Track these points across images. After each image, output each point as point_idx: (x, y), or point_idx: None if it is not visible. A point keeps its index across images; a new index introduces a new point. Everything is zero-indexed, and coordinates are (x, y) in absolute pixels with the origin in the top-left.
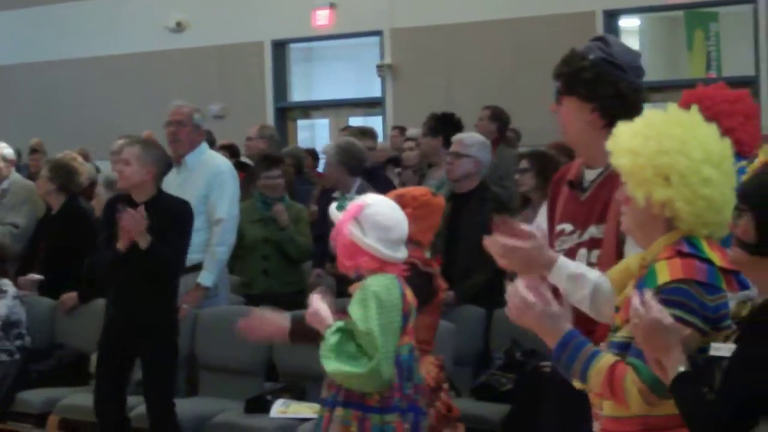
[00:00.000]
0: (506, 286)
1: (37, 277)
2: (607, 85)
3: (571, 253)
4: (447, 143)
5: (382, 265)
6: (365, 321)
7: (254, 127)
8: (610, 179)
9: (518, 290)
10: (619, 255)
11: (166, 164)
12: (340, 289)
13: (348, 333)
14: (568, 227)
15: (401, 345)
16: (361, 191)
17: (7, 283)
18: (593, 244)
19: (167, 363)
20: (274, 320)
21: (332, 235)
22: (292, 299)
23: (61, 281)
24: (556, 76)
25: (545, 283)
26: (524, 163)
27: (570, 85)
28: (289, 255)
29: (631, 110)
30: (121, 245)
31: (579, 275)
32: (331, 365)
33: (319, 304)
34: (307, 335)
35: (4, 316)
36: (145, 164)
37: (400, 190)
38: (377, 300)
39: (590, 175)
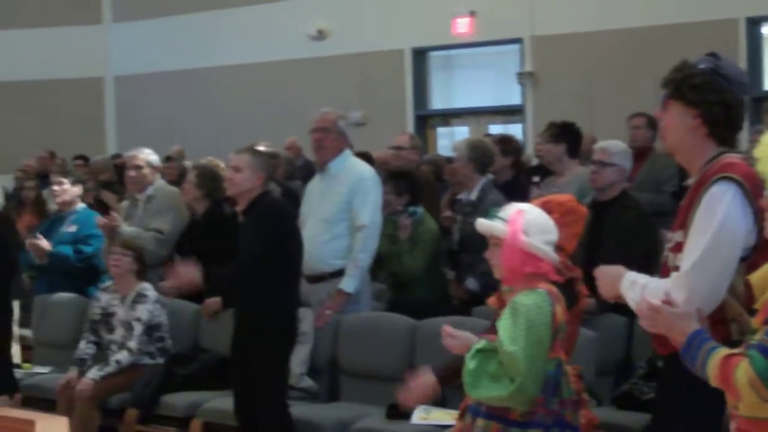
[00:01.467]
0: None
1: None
2: (713, 92)
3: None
4: (570, 151)
5: (548, 273)
6: (513, 341)
7: (404, 137)
8: (695, 187)
9: (644, 298)
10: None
11: (274, 171)
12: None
13: (488, 353)
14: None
15: (548, 360)
16: (484, 191)
17: (148, 287)
18: (677, 248)
19: (277, 367)
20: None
21: (504, 244)
22: (436, 308)
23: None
24: (666, 83)
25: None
26: None
27: (678, 89)
28: (393, 271)
29: (733, 121)
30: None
31: None
32: (474, 392)
33: (452, 330)
34: (452, 376)
35: (146, 320)
36: (257, 171)
37: (545, 197)
38: (527, 319)
39: (691, 182)
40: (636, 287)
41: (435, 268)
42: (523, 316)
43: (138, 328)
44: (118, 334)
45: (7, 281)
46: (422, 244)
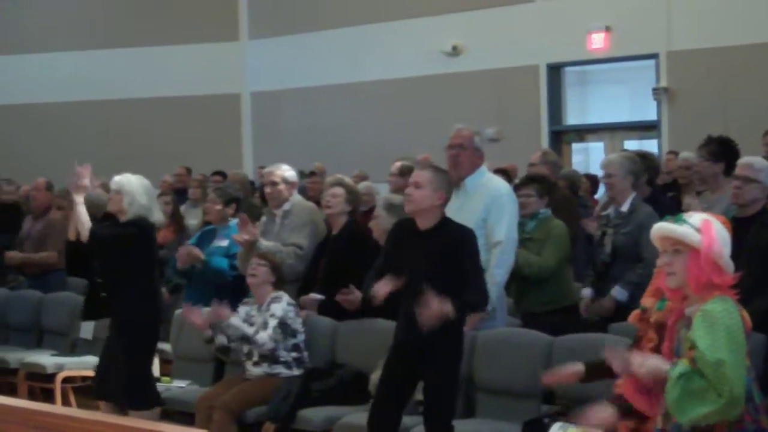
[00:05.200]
0: None
1: (317, 296)
2: None
3: None
4: (727, 169)
5: (728, 286)
6: (714, 350)
7: (537, 153)
8: None
9: None
10: None
11: (452, 191)
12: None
13: (687, 374)
14: None
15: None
16: (635, 204)
17: (283, 293)
18: None
19: (450, 388)
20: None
21: (697, 253)
22: (563, 319)
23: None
24: None
25: None
26: None
27: None
28: (523, 274)
29: None
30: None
31: None
32: (683, 417)
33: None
34: (601, 374)
35: (280, 316)
36: (438, 189)
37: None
38: (725, 325)
39: None
40: None
41: (563, 272)
42: (720, 323)
43: (272, 322)
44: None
45: (155, 297)
46: (553, 240)
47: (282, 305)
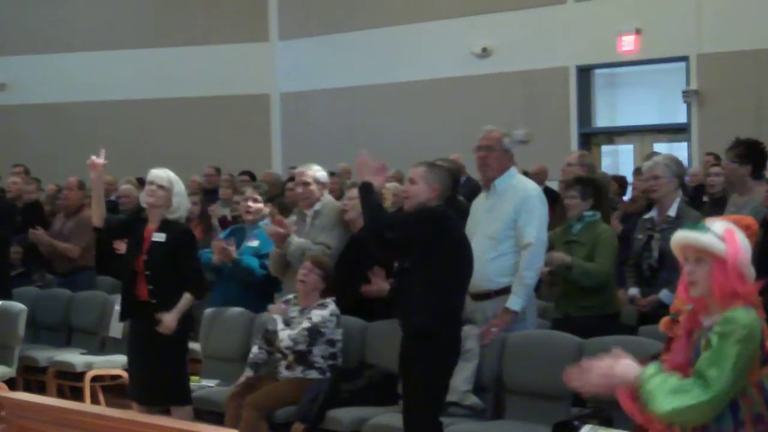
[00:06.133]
0: None
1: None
2: None
3: None
4: (755, 172)
5: (751, 295)
6: (722, 355)
7: (574, 154)
8: None
9: None
10: None
11: (451, 186)
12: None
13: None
14: None
15: (764, 375)
16: (682, 207)
17: (330, 302)
18: None
19: (429, 384)
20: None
21: (723, 262)
22: (598, 324)
23: (370, 301)
24: None
25: None
26: None
27: None
28: (573, 278)
29: None
30: None
31: None
32: (661, 407)
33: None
34: None
35: (315, 321)
36: (431, 183)
37: (731, 217)
38: (741, 336)
39: None
40: None
41: (613, 280)
42: (742, 331)
43: (304, 324)
44: (293, 337)
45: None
46: (605, 245)
47: (323, 313)
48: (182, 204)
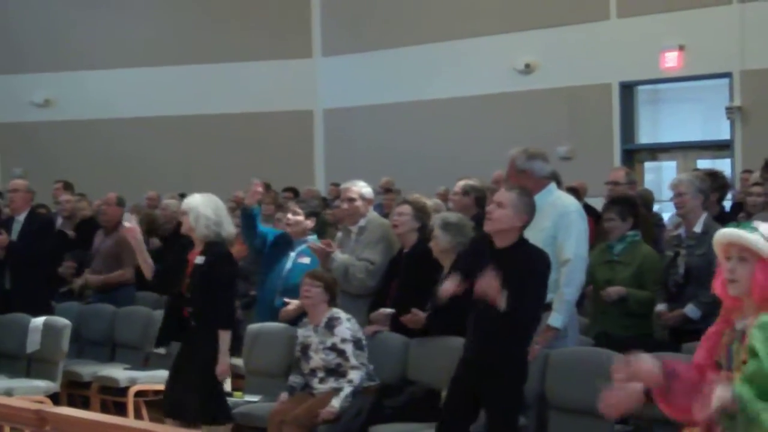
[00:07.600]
0: None
1: (388, 311)
2: None
3: None
4: None
5: None
6: None
7: (620, 172)
8: None
9: None
10: None
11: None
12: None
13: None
14: None
15: None
16: (707, 224)
17: (338, 311)
18: None
19: (510, 409)
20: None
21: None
22: (637, 342)
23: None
24: None
25: None
26: None
27: None
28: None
29: None
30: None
31: None
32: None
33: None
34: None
35: (350, 336)
36: (519, 212)
37: None
38: None
39: None
40: None
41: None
42: None
43: (349, 347)
44: (315, 361)
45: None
46: (652, 270)
47: (344, 325)
48: (199, 217)
